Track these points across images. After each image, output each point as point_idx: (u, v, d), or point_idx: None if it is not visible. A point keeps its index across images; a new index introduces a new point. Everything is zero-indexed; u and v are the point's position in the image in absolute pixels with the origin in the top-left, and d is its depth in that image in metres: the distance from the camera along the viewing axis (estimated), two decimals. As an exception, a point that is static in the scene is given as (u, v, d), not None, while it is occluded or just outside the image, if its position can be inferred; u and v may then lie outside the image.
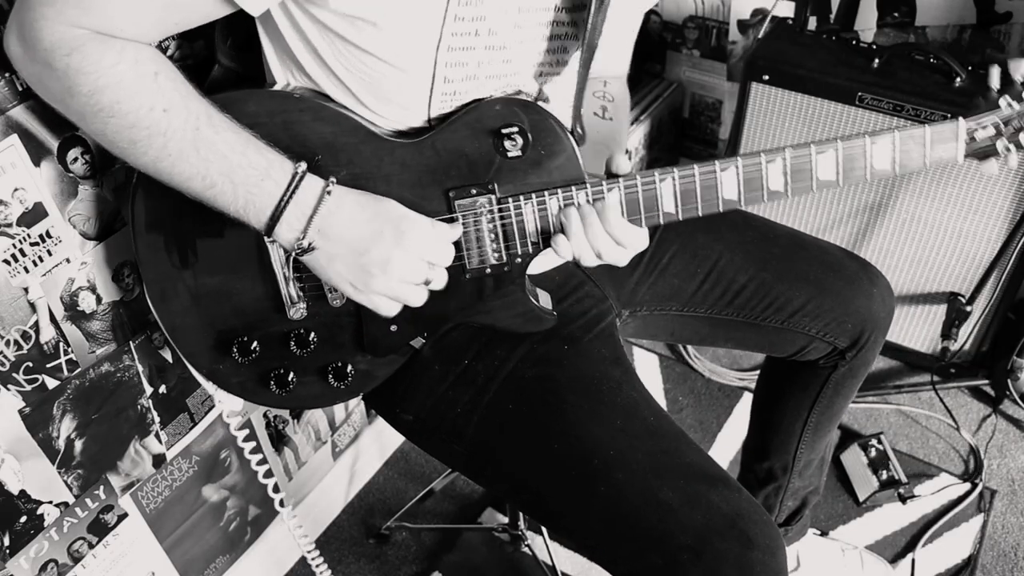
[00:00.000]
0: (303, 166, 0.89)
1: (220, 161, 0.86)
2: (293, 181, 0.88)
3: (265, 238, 0.96)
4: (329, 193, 0.90)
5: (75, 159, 1.05)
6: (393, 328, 1.03)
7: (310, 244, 0.90)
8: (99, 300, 1.15)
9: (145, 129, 0.84)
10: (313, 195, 0.90)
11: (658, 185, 0.97)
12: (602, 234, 0.97)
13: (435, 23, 0.88)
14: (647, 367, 2.18)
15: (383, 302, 0.96)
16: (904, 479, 1.83)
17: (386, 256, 0.92)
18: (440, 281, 0.98)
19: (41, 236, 1.05)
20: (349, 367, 1.06)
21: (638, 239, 0.99)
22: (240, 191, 0.87)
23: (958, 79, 1.76)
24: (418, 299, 0.97)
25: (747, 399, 2.06)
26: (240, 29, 1.02)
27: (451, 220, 0.98)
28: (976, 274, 1.87)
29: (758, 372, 1.84)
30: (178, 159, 0.86)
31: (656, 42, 2.35)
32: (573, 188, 0.97)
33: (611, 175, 0.98)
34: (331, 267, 0.93)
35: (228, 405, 1.24)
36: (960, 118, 0.97)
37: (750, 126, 1.97)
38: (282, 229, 0.89)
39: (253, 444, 1.39)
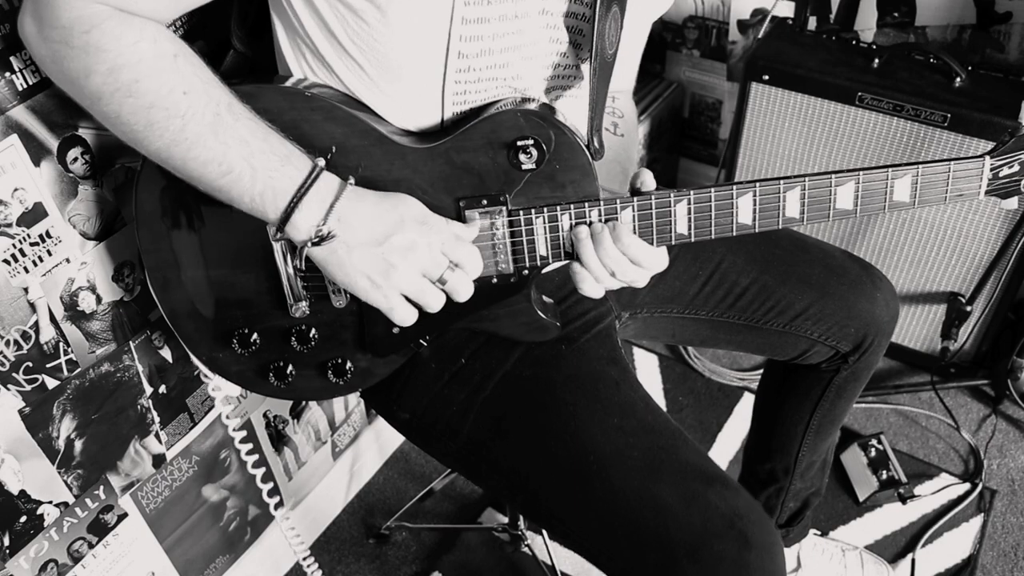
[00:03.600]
0: (321, 161, 0.88)
1: (240, 146, 0.84)
2: (314, 171, 0.87)
3: (272, 236, 0.96)
4: (351, 183, 0.90)
5: (75, 159, 1.05)
6: (395, 330, 1.03)
7: (329, 232, 0.88)
8: (99, 300, 1.15)
9: (164, 110, 0.82)
10: (333, 185, 0.89)
11: (673, 207, 0.96)
12: (614, 252, 0.95)
13: None
14: (647, 367, 2.17)
15: (401, 304, 0.93)
16: (904, 479, 1.83)
17: (408, 243, 0.90)
18: (463, 288, 0.94)
19: (41, 236, 1.05)
20: (349, 364, 1.06)
21: (655, 259, 0.98)
22: (260, 175, 0.85)
23: (958, 79, 1.77)
24: (436, 302, 0.94)
25: (747, 399, 2.06)
26: (253, 14, 1.01)
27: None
28: (976, 274, 1.87)
29: (759, 372, 1.85)
30: (195, 143, 0.84)
31: (656, 42, 2.35)
32: (586, 204, 0.96)
33: (635, 192, 0.96)
34: (349, 259, 0.90)
35: (225, 390, 1.24)
36: (986, 156, 0.95)
37: (750, 126, 1.97)
38: (300, 217, 0.87)
39: (250, 446, 1.39)
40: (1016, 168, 0.96)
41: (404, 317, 0.94)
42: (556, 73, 1.00)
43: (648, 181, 0.97)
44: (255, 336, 1.05)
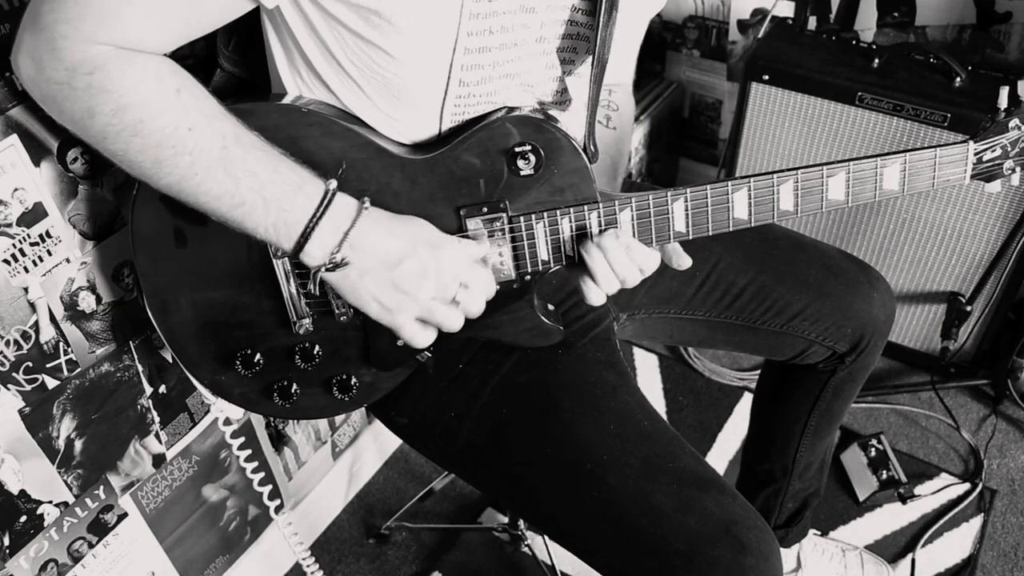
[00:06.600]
0: (334, 183, 0.88)
1: (250, 178, 0.84)
2: (326, 197, 0.87)
3: (273, 255, 0.96)
4: (366, 209, 0.89)
5: (75, 159, 1.05)
6: (400, 343, 1.02)
7: (343, 259, 0.88)
8: (99, 300, 1.15)
9: (171, 148, 0.82)
10: (347, 211, 0.88)
11: (670, 205, 0.97)
12: (625, 260, 0.96)
13: (451, 22, 0.86)
14: (647, 367, 2.18)
15: (415, 327, 0.94)
16: (904, 479, 1.83)
17: (419, 269, 0.90)
18: (475, 307, 0.96)
19: (41, 236, 1.05)
20: (353, 379, 1.06)
21: (653, 263, 0.99)
22: (272, 207, 0.85)
23: (958, 79, 1.77)
24: (453, 321, 0.94)
25: (747, 399, 2.06)
26: (243, 29, 1.00)
27: (464, 238, 0.97)
28: (976, 274, 1.87)
29: (758, 372, 1.84)
30: (205, 178, 0.83)
31: (656, 42, 2.35)
32: (585, 207, 0.96)
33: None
34: (362, 284, 0.90)
35: (227, 412, 1.24)
36: (970, 141, 0.98)
37: (750, 126, 1.97)
38: (313, 246, 0.87)
39: (248, 452, 1.39)
40: (998, 152, 0.99)
41: (417, 339, 0.95)
42: (549, 97, 1.00)
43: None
44: (258, 356, 1.04)
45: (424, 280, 0.91)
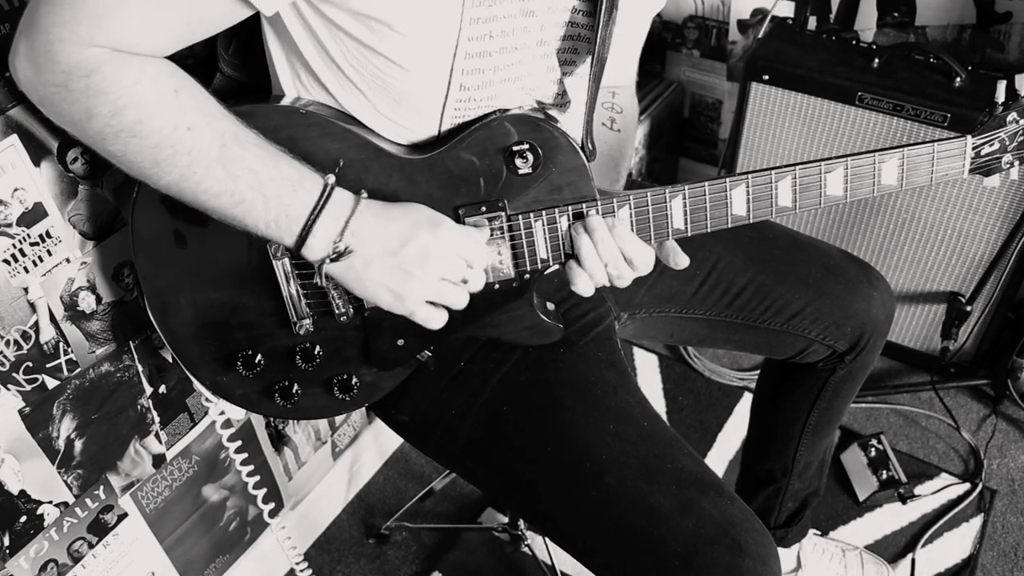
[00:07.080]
0: (332, 178, 0.88)
1: (249, 176, 0.84)
2: (325, 190, 0.87)
3: (273, 255, 0.96)
4: (365, 200, 0.90)
5: (75, 159, 1.05)
6: (400, 342, 1.03)
7: (346, 247, 0.88)
8: (99, 300, 1.15)
9: (169, 148, 0.82)
10: (346, 203, 0.89)
11: (668, 202, 0.97)
12: (611, 245, 0.96)
13: (452, 27, 0.86)
14: (647, 367, 2.18)
15: (427, 310, 0.94)
16: (904, 479, 1.83)
17: (423, 250, 0.90)
18: (478, 283, 0.96)
19: (41, 236, 1.05)
20: (354, 379, 1.06)
21: (646, 258, 0.99)
22: (272, 204, 0.86)
23: (958, 79, 1.77)
24: (461, 300, 0.95)
25: (747, 399, 2.06)
26: (243, 33, 1.00)
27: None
28: (976, 274, 1.87)
29: (758, 372, 1.85)
30: (204, 177, 0.84)
31: (656, 42, 2.35)
32: (584, 205, 0.96)
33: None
34: (367, 273, 0.90)
35: (225, 415, 1.24)
36: (968, 135, 0.98)
37: (750, 126, 1.97)
38: (315, 239, 0.88)
39: (244, 455, 1.39)
40: (997, 146, 0.99)
41: (432, 321, 0.95)
42: (549, 99, 1.00)
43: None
44: (259, 357, 1.04)
45: (428, 261, 0.91)
